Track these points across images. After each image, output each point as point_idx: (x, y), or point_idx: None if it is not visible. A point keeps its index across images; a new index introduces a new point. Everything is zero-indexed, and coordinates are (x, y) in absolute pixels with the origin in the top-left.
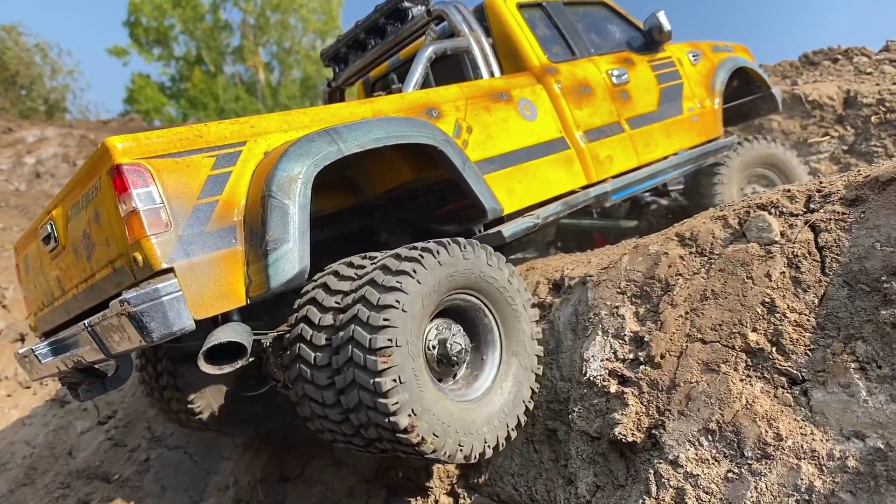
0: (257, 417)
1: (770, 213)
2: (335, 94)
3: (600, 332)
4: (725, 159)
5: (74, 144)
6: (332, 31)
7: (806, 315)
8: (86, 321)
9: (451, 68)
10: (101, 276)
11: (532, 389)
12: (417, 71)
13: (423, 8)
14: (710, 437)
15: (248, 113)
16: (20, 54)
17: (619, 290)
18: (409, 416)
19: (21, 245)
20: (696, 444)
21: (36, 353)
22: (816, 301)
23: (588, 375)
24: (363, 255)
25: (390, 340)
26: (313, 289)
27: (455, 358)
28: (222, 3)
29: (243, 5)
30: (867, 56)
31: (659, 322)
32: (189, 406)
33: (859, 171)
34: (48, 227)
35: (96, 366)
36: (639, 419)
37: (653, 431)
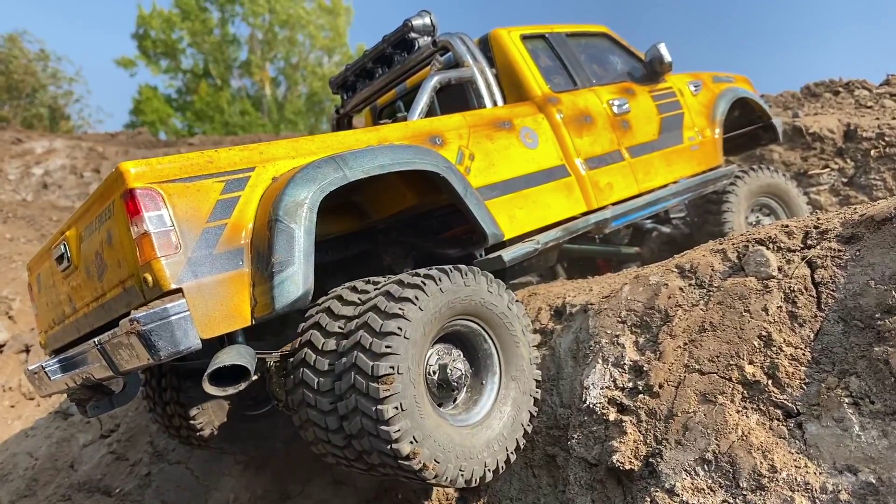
0: (258, 436)
1: (768, 248)
2: (343, 121)
3: (600, 360)
4: (733, 186)
5: (82, 156)
6: (339, 48)
7: (802, 349)
8: (96, 339)
9: (456, 97)
10: (112, 296)
11: (530, 413)
12: (423, 100)
13: (429, 39)
14: (706, 467)
15: (253, 127)
16: (25, 64)
17: (620, 319)
18: (411, 443)
19: (34, 264)
20: (693, 473)
21: (46, 369)
22: (812, 336)
23: (588, 403)
24: (366, 279)
25: (392, 368)
26: (317, 313)
27: (455, 383)
28: (231, 18)
29: (252, 20)
30: (868, 89)
31: (658, 352)
32: (191, 423)
33: (855, 209)
34: (62, 247)
35: (104, 383)
36: (637, 447)
37: (650, 460)
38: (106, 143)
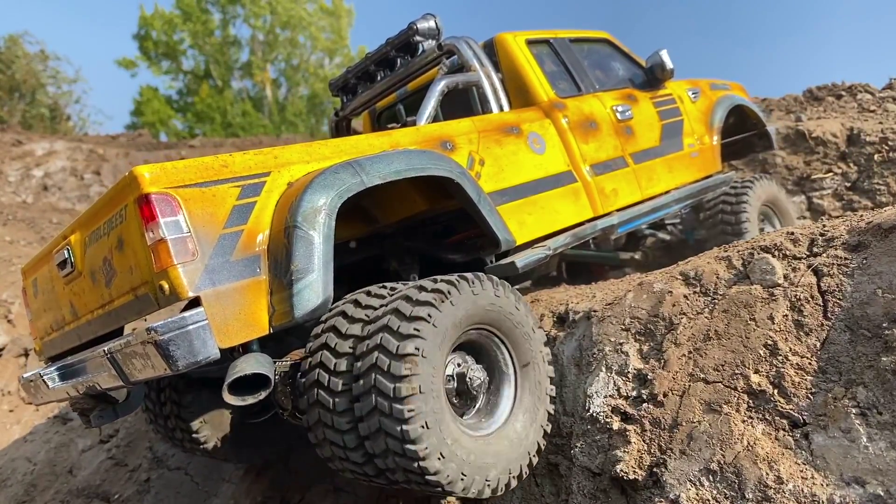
0: (261, 444)
1: (773, 256)
2: (342, 124)
3: (604, 369)
4: (746, 192)
5: (83, 158)
6: (341, 49)
7: (808, 358)
8: (105, 347)
9: (455, 101)
10: (121, 303)
11: (544, 429)
12: (430, 103)
13: (434, 42)
14: (711, 478)
15: (254, 128)
16: (27, 65)
17: (624, 327)
18: (439, 459)
19: (30, 268)
20: (698, 483)
21: (44, 377)
22: (818, 345)
23: (591, 411)
24: (382, 285)
25: (417, 349)
26: (333, 316)
27: (475, 392)
28: (232, 19)
29: (253, 22)
30: (871, 93)
31: (662, 360)
32: (193, 434)
33: (862, 216)
34: (65, 252)
35: (109, 392)
36: (640, 457)
37: (654, 470)
38: (106, 145)
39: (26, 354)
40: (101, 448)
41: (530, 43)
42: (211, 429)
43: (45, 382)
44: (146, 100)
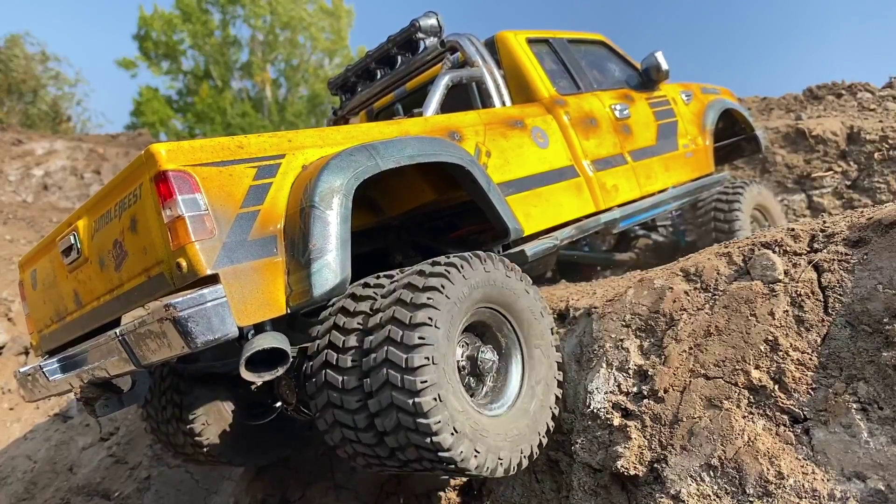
0: (264, 446)
1: (774, 252)
2: (340, 123)
3: (605, 365)
4: (739, 193)
5: (83, 158)
6: (341, 50)
7: (808, 354)
8: (116, 330)
9: (453, 99)
10: (132, 286)
11: (552, 413)
12: (436, 97)
13: (436, 39)
14: (711, 473)
15: (254, 128)
16: (27, 65)
17: (624, 323)
18: (452, 435)
19: (28, 261)
20: (698, 479)
21: (44, 370)
22: (819, 340)
23: (592, 407)
24: (387, 273)
25: (430, 319)
26: (343, 298)
27: (485, 372)
28: (232, 20)
29: (253, 22)
30: (871, 92)
31: (663, 356)
32: (195, 438)
33: (862, 212)
34: (70, 238)
35: (113, 381)
36: (641, 453)
37: (655, 465)
38: (106, 145)
39: (26, 352)
40: (101, 446)
41: (530, 41)
42: (209, 425)
43: (44, 375)
44: (146, 100)
